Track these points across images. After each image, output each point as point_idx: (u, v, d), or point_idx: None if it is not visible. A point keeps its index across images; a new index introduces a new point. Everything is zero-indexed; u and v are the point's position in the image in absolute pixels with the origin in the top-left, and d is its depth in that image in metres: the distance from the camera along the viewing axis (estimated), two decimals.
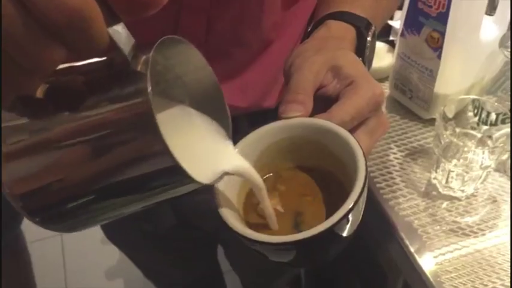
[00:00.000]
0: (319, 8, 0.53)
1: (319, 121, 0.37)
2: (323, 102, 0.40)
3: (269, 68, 0.62)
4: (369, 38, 0.47)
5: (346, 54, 0.43)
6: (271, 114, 0.61)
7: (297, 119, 0.38)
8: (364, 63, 0.47)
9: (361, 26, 0.47)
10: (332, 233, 0.32)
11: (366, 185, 0.34)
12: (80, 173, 0.28)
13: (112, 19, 0.25)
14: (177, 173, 0.28)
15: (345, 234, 0.34)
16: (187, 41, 0.32)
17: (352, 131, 0.38)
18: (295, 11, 0.57)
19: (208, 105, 0.36)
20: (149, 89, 0.26)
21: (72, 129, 0.28)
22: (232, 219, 0.34)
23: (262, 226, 0.37)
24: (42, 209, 0.30)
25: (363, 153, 0.35)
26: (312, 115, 0.39)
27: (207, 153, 0.35)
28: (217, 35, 0.54)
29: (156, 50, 0.28)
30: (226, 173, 0.35)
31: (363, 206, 0.35)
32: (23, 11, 0.22)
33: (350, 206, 0.32)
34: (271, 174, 0.41)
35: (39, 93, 0.28)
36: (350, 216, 0.32)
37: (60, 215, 0.30)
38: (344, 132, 0.37)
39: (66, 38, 0.23)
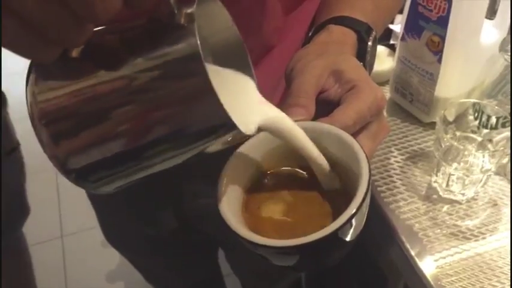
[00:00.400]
0: (320, 13, 0.53)
1: (322, 125, 0.37)
2: (324, 106, 0.40)
3: (270, 72, 0.62)
4: (369, 43, 0.47)
5: (347, 59, 0.43)
6: None
7: (299, 122, 0.38)
8: (365, 67, 0.47)
9: (361, 31, 0.47)
10: (335, 237, 0.32)
11: (370, 190, 0.34)
12: (122, 125, 0.28)
13: None
14: (223, 122, 0.28)
15: (348, 238, 0.34)
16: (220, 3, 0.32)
17: (354, 135, 0.38)
18: (296, 16, 0.57)
19: (232, 64, 0.36)
20: (198, 42, 0.26)
21: (120, 83, 0.28)
22: (236, 222, 0.34)
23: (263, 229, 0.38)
24: (81, 167, 0.30)
25: (367, 157, 0.35)
26: (313, 119, 0.39)
27: (243, 105, 0.36)
28: None
29: (197, 5, 0.28)
30: (261, 127, 0.35)
31: (367, 210, 0.35)
32: None
33: (353, 211, 0.32)
34: (272, 177, 0.42)
35: (84, 51, 0.29)
36: (353, 221, 0.32)
37: (97, 170, 0.31)
38: (347, 137, 0.37)
39: None
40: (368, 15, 0.49)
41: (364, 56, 0.47)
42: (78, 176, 0.31)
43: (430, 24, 0.66)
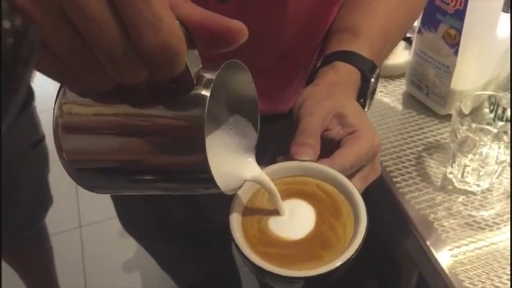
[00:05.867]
0: (331, 38, 0.56)
1: (324, 167, 0.41)
2: (325, 143, 0.43)
3: (287, 75, 0.64)
4: (372, 80, 0.51)
5: (352, 104, 0.47)
6: (283, 116, 0.63)
7: (306, 163, 0.42)
8: (365, 100, 0.51)
9: (365, 71, 0.51)
10: (337, 270, 0.35)
11: (366, 235, 0.37)
12: (123, 157, 0.32)
13: (190, 45, 0.28)
14: (209, 182, 0.31)
15: (351, 265, 0.37)
16: (244, 64, 0.35)
17: (349, 175, 0.42)
18: (314, 25, 0.58)
19: (243, 116, 0.40)
20: (205, 117, 0.29)
21: (127, 122, 0.31)
22: (246, 246, 0.37)
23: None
24: (86, 176, 0.35)
25: (363, 203, 0.39)
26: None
27: (231, 165, 0.39)
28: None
29: (217, 75, 0.31)
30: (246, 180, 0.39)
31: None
32: (125, 35, 0.25)
33: (352, 254, 0.36)
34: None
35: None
36: (355, 257, 0.36)
37: (95, 179, 0.35)
38: (345, 180, 0.41)
39: (152, 63, 0.26)
40: (374, 49, 0.52)
41: (366, 92, 0.51)
42: (79, 179, 0.35)
43: (446, 17, 0.66)
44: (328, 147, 0.43)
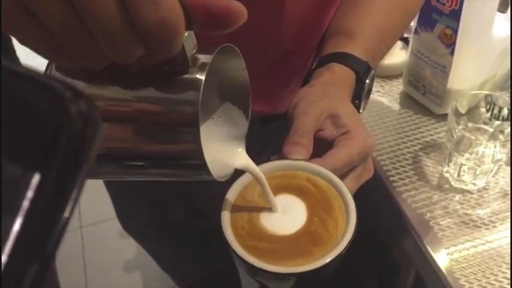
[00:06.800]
0: (327, 40, 0.56)
1: (315, 166, 0.42)
2: (318, 143, 0.44)
3: (284, 77, 0.64)
4: (367, 81, 0.52)
5: (345, 105, 0.48)
6: (280, 117, 0.63)
7: (299, 161, 0.42)
8: (360, 101, 0.52)
9: (360, 72, 0.51)
10: (330, 265, 0.36)
11: (355, 233, 0.37)
12: (114, 142, 0.31)
13: (188, 27, 0.27)
14: (201, 168, 0.31)
15: (342, 260, 0.38)
16: (237, 50, 0.34)
17: (342, 175, 0.43)
18: (311, 27, 0.59)
19: (234, 104, 0.39)
20: (199, 101, 0.29)
21: (118, 105, 0.30)
22: (234, 240, 0.38)
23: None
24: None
25: (353, 200, 0.40)
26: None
27: (221, 153, 0.39)
28: (238, 46, 0.57)
29: (212, 59, 0.30)
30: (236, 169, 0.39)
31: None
32: (123, 10, 0.24)
33: (341, 251, 0.36)
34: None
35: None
36: (345, 253, 0.36)
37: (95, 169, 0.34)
38: (337, 179, 0.41)
39: (149, 41, 0.26)
40: (369, 51, 0.53)
41: (361, 94, 0.52)
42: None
43: (442, 17, 0.67)
44: (322, 148, 0.44)
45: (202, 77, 0.29)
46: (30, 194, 0.15)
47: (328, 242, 0.37)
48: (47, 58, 0.28)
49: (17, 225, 0.14)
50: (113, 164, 0.33)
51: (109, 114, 0.31)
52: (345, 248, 0.36)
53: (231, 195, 0.41)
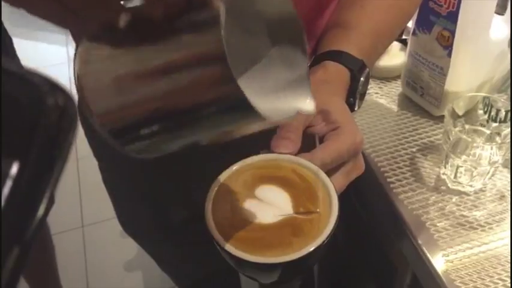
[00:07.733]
0: (324, 37, 0.57)
1: (302, 160, 0.42)
2: (308, 139, 0.45)
3: None
4: (362, 79, 0.52)
5: (337, 101, 0.48)
6: None
7: (286, 155, 0.43)
8: (355, 100, 0.52)
9: (354, 70, 0.51)
10: (306, 258, 0.36)
11: (336, 226, 0.38)
12: (154, 99, 0.30)
13: None
14: (248, 109, 0.29)
15: (326, 249, 0.38)
16: None
17: (330, 170, 0.43)
18: (307, 28, 0.59)
19: (285, 40, 0.37)
20: (222, 31, 0.27)
21: (149, 57, 0.30)
22: (215, 228, 0.38)
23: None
24: (122, 133, 0.33)
25: (337, 195, 0.40)
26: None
27: (279, 89, 0.37)
28: None
29: None
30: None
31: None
32: None
33: (320, 244, 0.36)
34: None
35: (121, 23, 0.30)
36: (326, 243, 0.37)
37: (136, 138, 0.33)
38: (323, 174, 0.41)
39: None
40: (364, 50, 0.53)
41: (355, 92, 0.52)
42: (121, 144, 0.33)
43: (440, 19, 0.67)
44: (311, 144, 0.44)
45: (223, 7, 0.28)
46: (9, 182, 0.15)
47: (309, 233, 0.37)
48: (63, 26, 0.28)
49: None
50: (159, 130, 0.31)
51: (141, 68, 0.30)
52: (324, 241, 0.36)
53: (216, 184, 0.41)
